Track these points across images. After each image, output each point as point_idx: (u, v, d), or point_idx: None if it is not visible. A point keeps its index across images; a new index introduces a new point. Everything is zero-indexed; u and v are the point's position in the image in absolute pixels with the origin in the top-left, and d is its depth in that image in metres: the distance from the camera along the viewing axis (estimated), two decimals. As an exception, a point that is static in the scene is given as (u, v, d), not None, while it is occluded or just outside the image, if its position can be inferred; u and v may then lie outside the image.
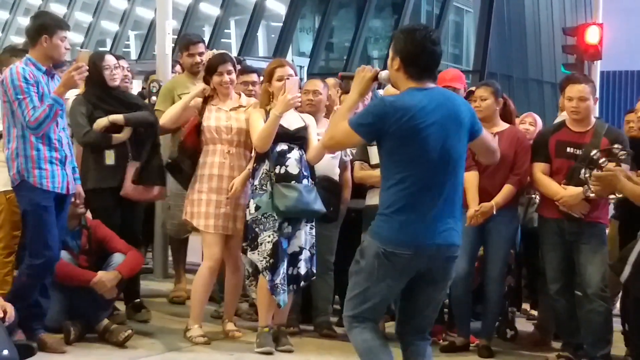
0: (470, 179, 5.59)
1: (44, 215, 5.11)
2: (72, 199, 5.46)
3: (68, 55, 7.01)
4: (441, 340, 5.92)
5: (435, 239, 3.80)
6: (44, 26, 5.19)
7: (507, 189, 5.62)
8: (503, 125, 5.80)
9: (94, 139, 5.88)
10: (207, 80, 5.76)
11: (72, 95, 6.09)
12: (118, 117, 5.90)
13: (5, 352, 4.58)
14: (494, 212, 5.56)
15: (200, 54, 6.69)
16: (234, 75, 5.79)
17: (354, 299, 3.94)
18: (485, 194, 5.59)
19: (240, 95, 5.88)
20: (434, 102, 3.80)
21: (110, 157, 5.92)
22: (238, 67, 6.05)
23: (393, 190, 3.81)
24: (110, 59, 6.03)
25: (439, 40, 3.89)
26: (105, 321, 5.55)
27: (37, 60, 5.17)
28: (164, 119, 5.81)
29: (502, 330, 6.16)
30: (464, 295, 5.73)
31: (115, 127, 5.91)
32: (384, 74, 3.97)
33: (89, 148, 5.95)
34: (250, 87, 6.29)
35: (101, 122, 5.87)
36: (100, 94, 5.97)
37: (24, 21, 24.91)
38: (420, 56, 3.82)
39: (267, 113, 5.53)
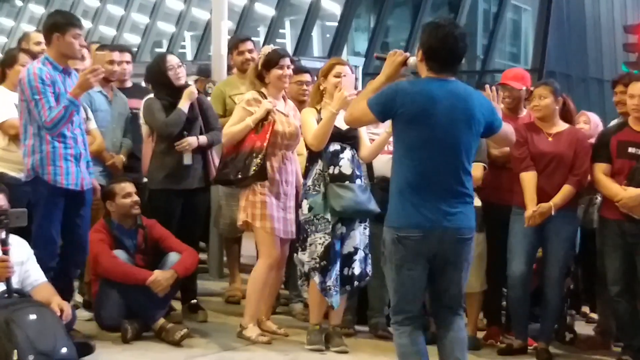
0: (528, 179, 5.52)
1: (51, 211, 5.21)
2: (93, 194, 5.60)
3: (127, 55, 7.15)
4: (498, 343, 5.85)
5: (443, 222, 4.01)
6: (55, 25, 5.29)
7: (566, 190, 5.52)
8: (562, 125, 5.70)
9: (175, 121, 5.91)
10: (262, 76, 5.70)
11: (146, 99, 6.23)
12: (202, 140, 6.02)
13: (64, 349, 4.63)
14: (553, 213, 5.47)
15: (250, 51, 6.70)
16: (292, 71, 5.78)
17: (390, 291, 4.23)
18: (543, 194, 5.50)
19: (286, 101, 5.84)
20: (445, 92, 4.01)
21: (187, 157, 5.98)
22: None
23: (401, 171, 4.07)
24: (172, 59, 6.09)
25: (462, 37, 4.07)
26: (162, 320, 5.59)
27: (53, 59, 5.27)
28: (225, 138, 5.69)
29: (561, 333, 6.05)
30: (522, 297, 5.65)
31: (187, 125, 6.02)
32: (412, 60, 4.18)
33: (167, 144, 5.97)
34: (305, 87, 6.28)
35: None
36: (171, 94, 6.02)
37: (83, 23, 25.27)
38: (440, 52, 4.03)
39: (318, 112, 5.52)
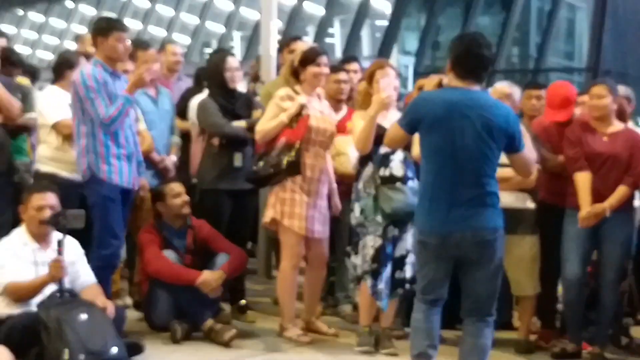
0: (583, 180, 5.42)
1: (111, 208, 5.34)
2: (141, 193, 5.77)
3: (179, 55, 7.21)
4: (550, 346, 5.75)
5: (459, 226, 4.17)
6: (99, 29, 5.49)
7: (621, 191, 5.39)
8: (618, 125, 5.57)
9: (236, 131, 5.92)
10: (297, 73, 5.68)
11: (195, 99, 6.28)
12: (241, 123, 5.96)
13: (115, 349, 4.68)
14: (607, 214, 5.35)
15: None
16: (328, 69, 5.75)
17: (417, 274, 4.50)
18: (598, 195, 5.38)
19: (320, 98, 5.82)
20: (465, 99, 4.20)
21: (238, 159, 5.98)
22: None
23: (423, 181, 4.32)
24: (232, 61, 6.06)
25: (486, 45, 4.30)
26: (211, 321, 5.59)
27: (103, 62, 5.42)
28: (259, 135, 5.66)
29: (616, 337, 5.92)
30: (576, 300, 5.55)
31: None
32: (446, 80, 4.48)
33: (223, 146, 5.99)
34: (342, 86, 6.25)
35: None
36: (225, 95, 6.02)
37: (133, 24, 25.59)
38: (465, 58, 4.27)
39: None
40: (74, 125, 5.48)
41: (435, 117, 4.19)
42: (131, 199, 5.62)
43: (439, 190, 4.20)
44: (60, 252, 4.84)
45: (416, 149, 5.35)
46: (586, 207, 5.36)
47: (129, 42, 5.55)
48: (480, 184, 4.20)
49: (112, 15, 25.91)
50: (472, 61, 4.27)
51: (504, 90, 5.64)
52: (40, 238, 5.05)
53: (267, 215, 5.66)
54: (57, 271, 4.80)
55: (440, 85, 4.53)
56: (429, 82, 4.62)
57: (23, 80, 6.76)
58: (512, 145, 4.30)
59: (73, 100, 5.46)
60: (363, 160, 5.46)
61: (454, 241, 4.19)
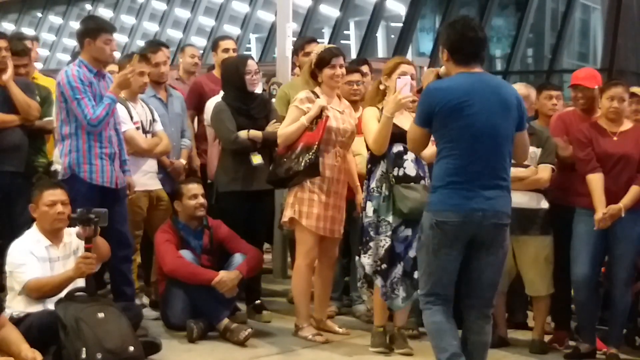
0: (596, 181, 5.41)
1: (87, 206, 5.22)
2: (127, 192, 5.68)
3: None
4: (563, 348, 5.77)
5: (481, 205, 4.09)
6: (87, 30, 5.49)
7: (634, 190, 5.39)
8: (627, 124, 5.55)
9: (244, 144, 5.94)
10: (315, 75, 5.71)
11: (211, 101, 6.27)
12: (257, 134, 5.95)
13: (132, 348, 4.71)
14: (622, 215, 5.35)
15: None
16: (344, 70, 5.76)
17: (422, 276, 4.31)
18: (610, 195, 5.38)
19: (340, 99, 5.84)
20: (477, 82, 4.16)
21: (256, 158, 5.98)
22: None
23: (442, 163, 4.18)
24: (252, 64, 6.06)
25: (478, 27, 4.27)
26: (226, 320, 5.62)
27: (88, 63, 5.44)
28: (280, 139, 5.69)
29: (630, 337, 5.92)
30: (588, 300, 5.55)
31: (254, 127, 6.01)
32: (442, 70, 4.39)
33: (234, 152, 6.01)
34: (355, 87, 6.27)
35: (242, 134, 5.95)
36: (241, 97, 6.04)
37: (150, 26, 25.67)
38: (462, 43, 4.21)
39: (380, 111, 5.47)
40: (57, 125, 5.55)
41: (451, 105, 4.11)
42: (120, 197, 5.59)
43: (460, 175, 4.12)
44: (88, 248, 4.89)
45: (427, 150, 5.31)
46: (601, 209, 5.35)
47: (115, 45, 5.55)
48: (501, 167, 4.16)
49: (129, 17, 26.14)
50: (470, 45, 4.22)
51: (519, 92, 5.64)
52: (52, 235, 5.10)
53: (286, 214, 5.69)
54: (87, 267, 4.85)
55: (438, 77, 4.41)
56: (427, 78, 4.54)
57: (44, 80, 6.82)
58: (521, 123, 4.27)
59: (57, 100, 5.52)
60: (375, 160, 5.44)
61: (475, 220, 4.10)
